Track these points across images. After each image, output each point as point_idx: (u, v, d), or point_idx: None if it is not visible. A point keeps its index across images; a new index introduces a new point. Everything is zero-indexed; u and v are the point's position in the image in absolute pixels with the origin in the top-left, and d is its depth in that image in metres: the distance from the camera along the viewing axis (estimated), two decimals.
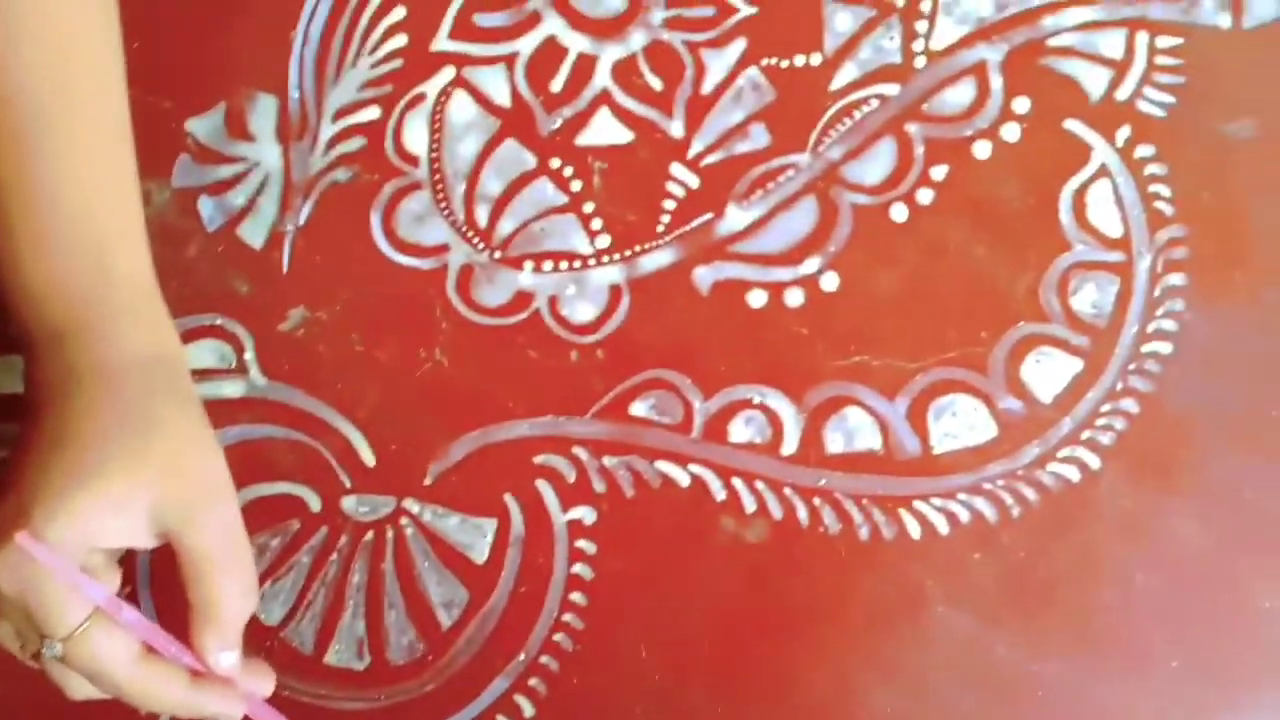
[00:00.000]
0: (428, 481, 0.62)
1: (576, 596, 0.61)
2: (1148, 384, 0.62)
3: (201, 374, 0.63)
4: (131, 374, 0.54)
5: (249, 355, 0.63)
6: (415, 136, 0.65)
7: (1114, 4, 0.65)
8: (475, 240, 0.64)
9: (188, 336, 0.63)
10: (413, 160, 0.65)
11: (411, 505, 0.62)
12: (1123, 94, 0.64)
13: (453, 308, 0.64)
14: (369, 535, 0.61)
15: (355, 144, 0.65)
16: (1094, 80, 0.64)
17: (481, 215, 0.64)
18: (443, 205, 0.64)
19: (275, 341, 0.64)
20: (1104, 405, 0.63)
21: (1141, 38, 0.65)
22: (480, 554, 0.62)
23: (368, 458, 0.63)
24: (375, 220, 0.64)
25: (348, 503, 0.62)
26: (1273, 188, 0.63)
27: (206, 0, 0.65)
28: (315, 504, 0.62)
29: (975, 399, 0.63)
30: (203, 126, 0.65)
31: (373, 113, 0.65)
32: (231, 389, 0.63)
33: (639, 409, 0.63)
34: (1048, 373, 0.63)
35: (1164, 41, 0.64)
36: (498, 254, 0.64)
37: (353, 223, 0.64)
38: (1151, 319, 0.63)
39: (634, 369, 0.63)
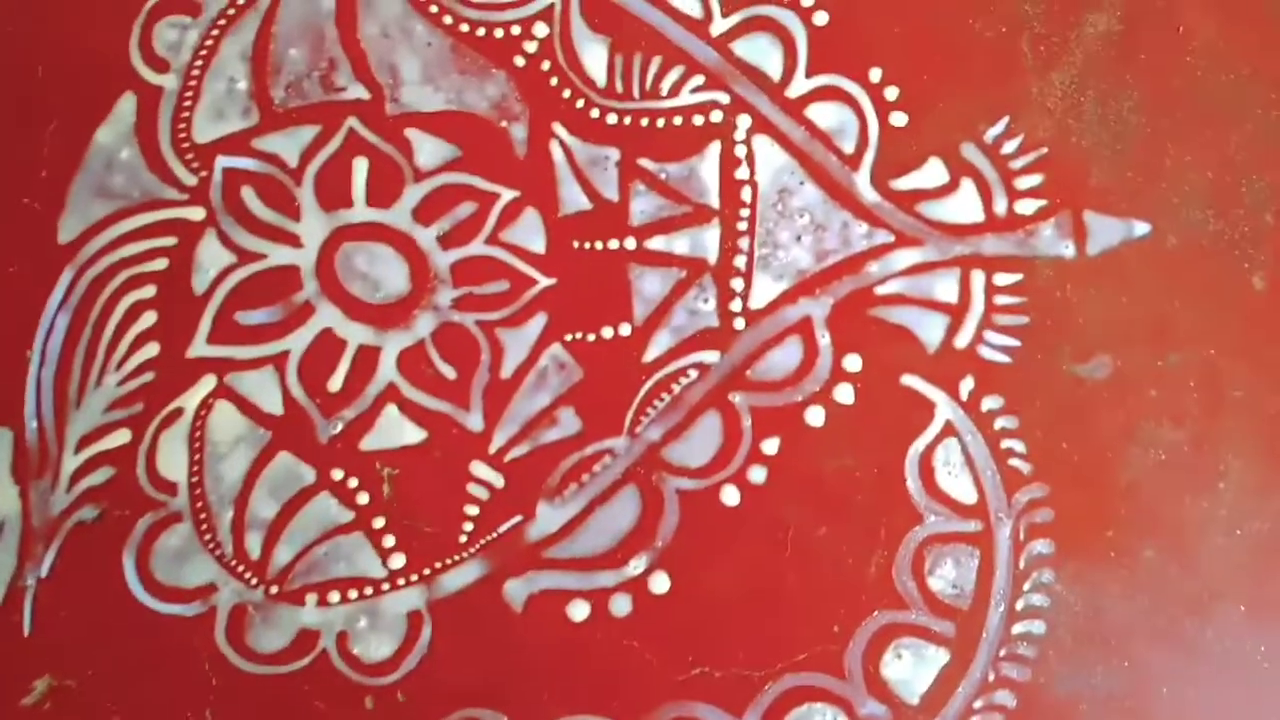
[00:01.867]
0: None
1: None
2: (1022, 671, 0.49)
3: None
4: None
5: None
6: (172, 460, 0.51)
7: (943, 241, 0.53)
8: (247, 575, 0.50)
9: None
10: (170, 488, 0.51)
11: None
12: (962, 340, 0.52)
13: (224, 659, 0.49)
14: None
15: (102, 475, 0.51)
16: (929, 328, 0.52)
17: (254, 544, 0.50)
18: (207, 538, 0.50)
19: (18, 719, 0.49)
20: (976, 701, 0.49)
21: (977, 277, 0.53)
22: None
23: None
24: (129, 563, 0.50)
25: None
26: (1133, 430, 0.51)
27: None
28: None
29: (834, 707, 0.49)
30: None
31: (122, 436, 0.51)
32: None
33: None
34: (911, 668, 0.50)
35: (1002, 279, 0.53)
36: (274, 589, 0.50)
37: (103, 569, 0.50)
38: (1019, 595, 0.50)
39: (440, 710, 0.49)
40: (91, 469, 0.50)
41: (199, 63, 0.54)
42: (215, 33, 0.54)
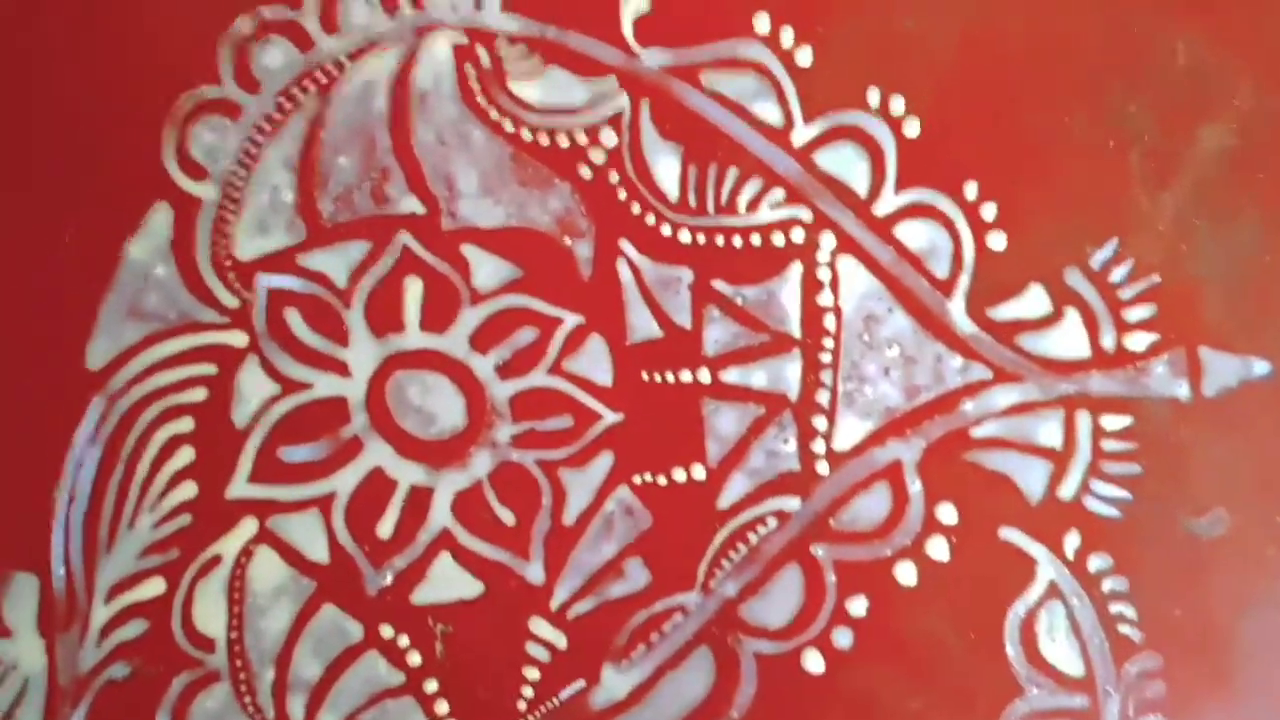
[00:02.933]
0: None
1: None
2: None
3: None
4: None
5: None
6: (210, 612, 0.45)
7: (1046, 379, 0.47)
8: None
9: None
10: (207, 644, 0.45)
11: None
12: (1067, 491, 0.46)
13: None
14: None
15: (135, 629, 0.45)
16: (1031, 476, 0.46)
17: (296, 708, 0.44)
18: (247, 700, 0.44)
19: None
20: None
21: (1083, 419, 0.46)
22: None
23: None
24: None
25: None
26: (1255, 595, 0.45)
27: None
28: None
29: None
30: None
31: (156, 586, 0.45)
32: None
33: None
34: None
35: (1110, 421, 0.46)
36: None
37: None
38: None
39: None
40: (123, 621, 0.44)
41: (240, 171, 0.48)
42: (258, 137, 0.48)
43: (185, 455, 0.45)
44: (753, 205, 0.47)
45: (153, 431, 0.45)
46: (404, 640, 0.44)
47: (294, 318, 0.46)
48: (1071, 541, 0.44)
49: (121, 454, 0.45)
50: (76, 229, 0.46)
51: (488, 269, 0.47)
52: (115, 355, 0.46)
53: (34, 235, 0.46)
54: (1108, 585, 0.44)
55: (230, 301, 0.46)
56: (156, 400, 0.46)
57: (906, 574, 0.44)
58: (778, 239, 0.47)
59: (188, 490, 0.45)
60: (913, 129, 0.47)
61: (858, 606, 0.44)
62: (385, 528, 0.45)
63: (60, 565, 0.44)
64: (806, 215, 0.47)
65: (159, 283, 0.46)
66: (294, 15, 0.48)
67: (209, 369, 0.46)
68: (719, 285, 0.47)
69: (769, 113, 0.48)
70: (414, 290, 0.47)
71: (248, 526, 0.45)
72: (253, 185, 0.47)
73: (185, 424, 0.45)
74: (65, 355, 0.46)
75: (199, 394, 0.46)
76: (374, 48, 0.48)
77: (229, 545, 0.45)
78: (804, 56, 0.48)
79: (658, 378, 0.46)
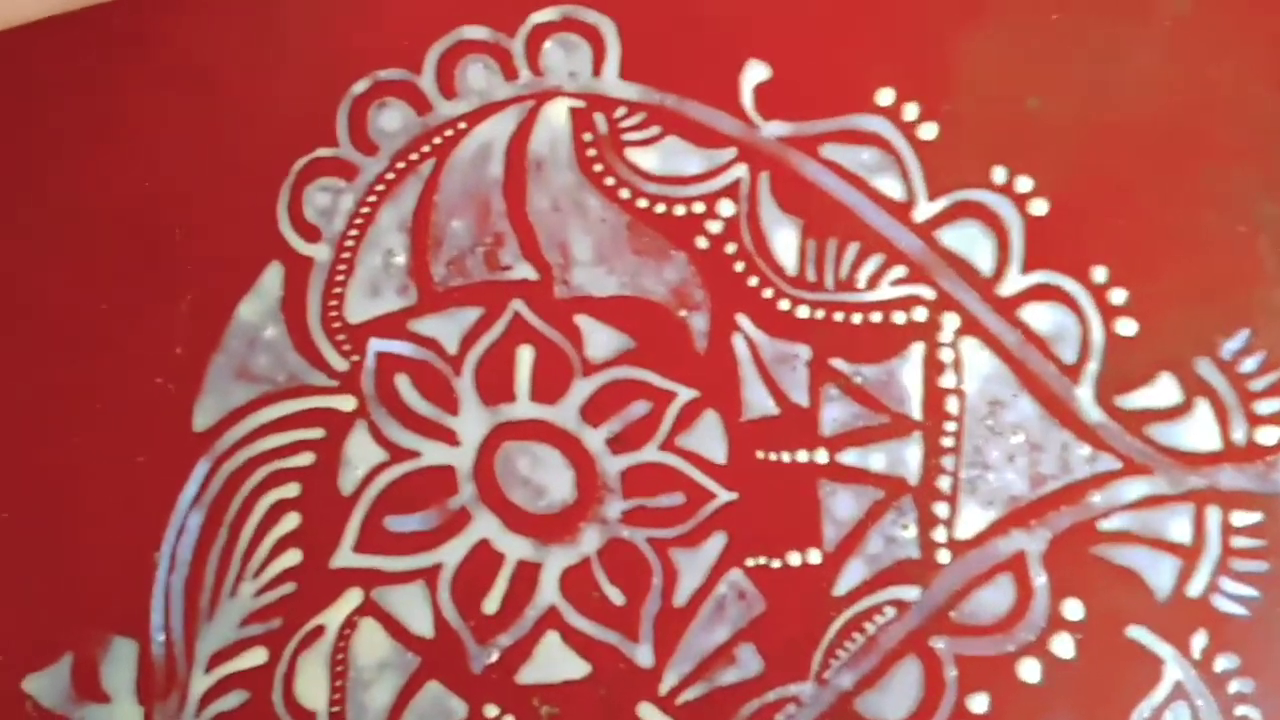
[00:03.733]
0: None
1: None
2: None
3: None
4: None
5: None
6: (312, 685, 0.42)
7: (1175, 471, 0.44)
8: None
9: None
10: (308, 718, 0.43)
11: None
12: (1195, 589, 0.43)
13: None
14: None
15: (235, 700, 0.42)
16: (1159, 572, 0.43)
17: None
18: None
19: None
20: None
21: (1213, 515, 0.44)
22: None
23: None
24: None
25: None
26: None
27: (45, 515, 0.43)
28: None
29: None
30: (44, 685, 0.41)
31: (258, 656, 0.43)
32: None
33: None
34: None
35: (1240, 518, 0.44)
36: None
37: None
38: None
39: None
40: (223, 691, 0.42)
41: (353, 232, 0.46)
42: (372, 199, 0.46)
43: (290, 521, 0.43)
44: (873, 281, 0.45)
45: (258, 496, 0.43)
46: None
47: (404, 383, 0.44)
48: (1199, 641, 0.42)
49: (225, 519, 0.43)
50: (194, 293, 0.44)
51: (601, 339, 0.45)
52: (222, 417, 0.44)
53: (147, 295, 0.45)
54: (1234, 687, 0.41)
55: (340, 364, 0.44)
56: (263, 464, 0.43)
57: (1030, 671, 0.42)
58: (899, 317, 0.45)
59: (292, 558, 0.43)
60: (1040, 209, 0.45)
61: (979, 704, 0.42)
62: (491, 603, 0.43)
63: (160, 632, 0.42)
64: (929, 293, 0.45)
65: (268, 344, 0.45)
66: (412, 78, 0.46)
67: (317, 433, 0.44)
68: (837, 363, 0.44)
69: (891, 188, 0.45)
70: (525, 359, 0.44)
71: (352, 597, 0.43)
72: (365, 247, 0.45)
73: (291, 489, 0.43)
74: (172, 417, 0.44)
75: (306, 459, 0.44)
76: (491, 112, 0.46)
77: (333, 616, 0.42)
78: (928, 131, 0.46)
79: (773, 457, 0.44)
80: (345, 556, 0.43)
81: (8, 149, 0.46)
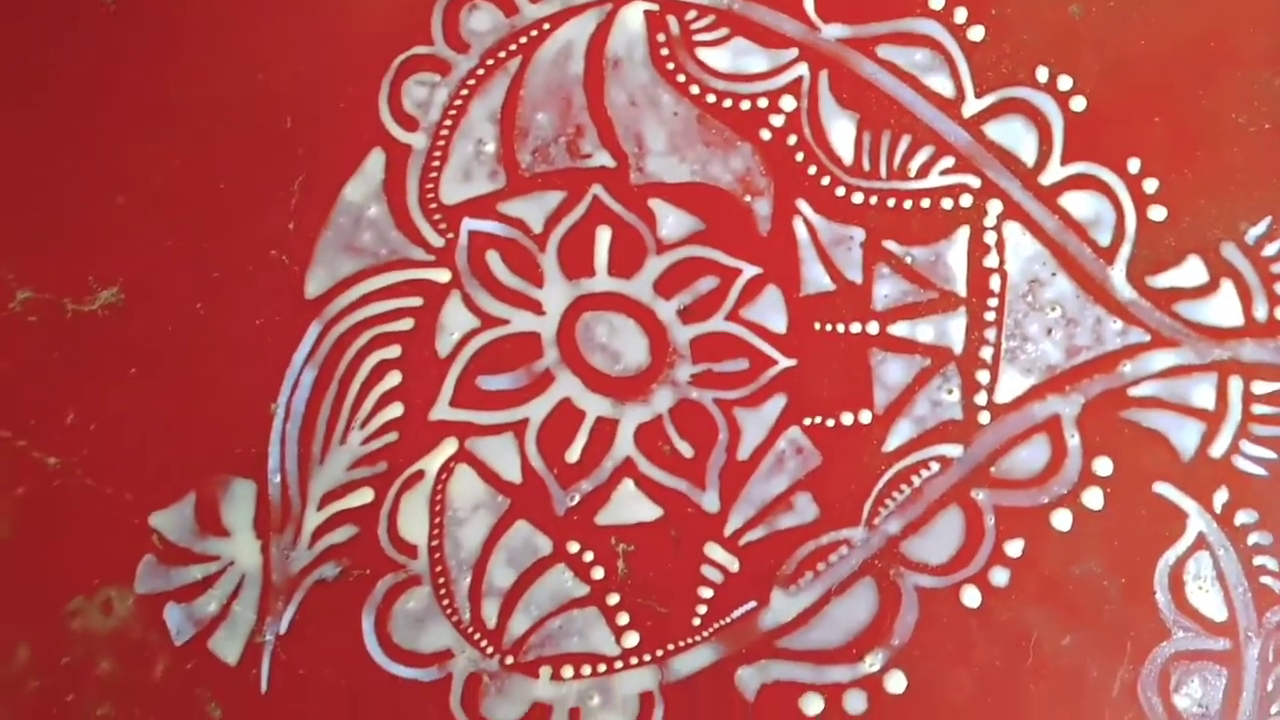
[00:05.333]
0: None
1: None
2: None
3: None
4: None
5: None
6: (413, 522, 0.45)
7: (1201, 344, 0.46)
8: (483, 643, 0.45)
9: None
10: (410, 550, 0.46)
11: None
12: (1217, 450, 0.45)
13: None
14: None
15: (344, 534, 0.46)
16: (1184, 435, 0.46)
17: (490, 613, 0.45)
18: (445, 603, 0.45)
19: None
20: None
21: (1235, 383, 0.46)
22: None
23: None
24: (368, 624, 0.45)
25: None
26: None
27: (172, 371, 0.47)
28: None
29: None
30: (169, 521, 0.44)
31: (364, 495, 0.46)
32: None
33: None
34: None
35: (1260, 387, 0.46)
36: (509, 659, 0.45)
37: (342, 628, 0.45)
38: (1265, 717, 0.44)
39: None
40: (333, 526, 0.45)
41: (447, 123, 0.49)
42: (464, 93, 0.49)
43: (393, 379, 0.46)
44: (923, 171, 0.47)
45: (364, 356, 0.46)
46: (589, 556, 0.44)
47: (493, 258, 0.47)
48: (1220, 497, 0.44)
49: (335, 375, 0.46)
50: (304, 175, 0.47)
51: (672, 221, 0.47)
52: (331, 286, 0.47)
53: (263, 178, 0.48)
54: (1253, 539, 0.44)
55: (436, 241, 0.47)
56: (368, 328, 0.46)
57: (1062, 520, 0.44)
58: (946, 203, 0.47)
59: (394, 410, 0.46)
60: (1079, 105, 0.47)
61: (1014, 548, 0.44)
62: (573, 454, 0.45)
63: (276, 474, 0.45)
64: (975, 182, 0.47)
65: (372, 222, 0.47)
66: None
67: (415, 301, 0.47)
68: (889, 244, 0.47)
69: (941, 85, 0.48)
70: (604, 238, 0.47)
71: (449, 446, 0.45)
72: (458, 136, 0.48)
73: (393, 351, 0.46)
74: (286, 285, 0.47)
75: (406, 324, 0.46)
76: (572, 15, 0.49)
77: (432, 462, 0.45)
78: (976, 33, 0.48)
79: (829, 328, 0.46)
80: (442, 410, 0.45)
81: (137, 48, 0.49)
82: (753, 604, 0.42)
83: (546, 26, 0.47)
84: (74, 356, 0.44)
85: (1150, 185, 0.44)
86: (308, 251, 0.45)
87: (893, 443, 0.43)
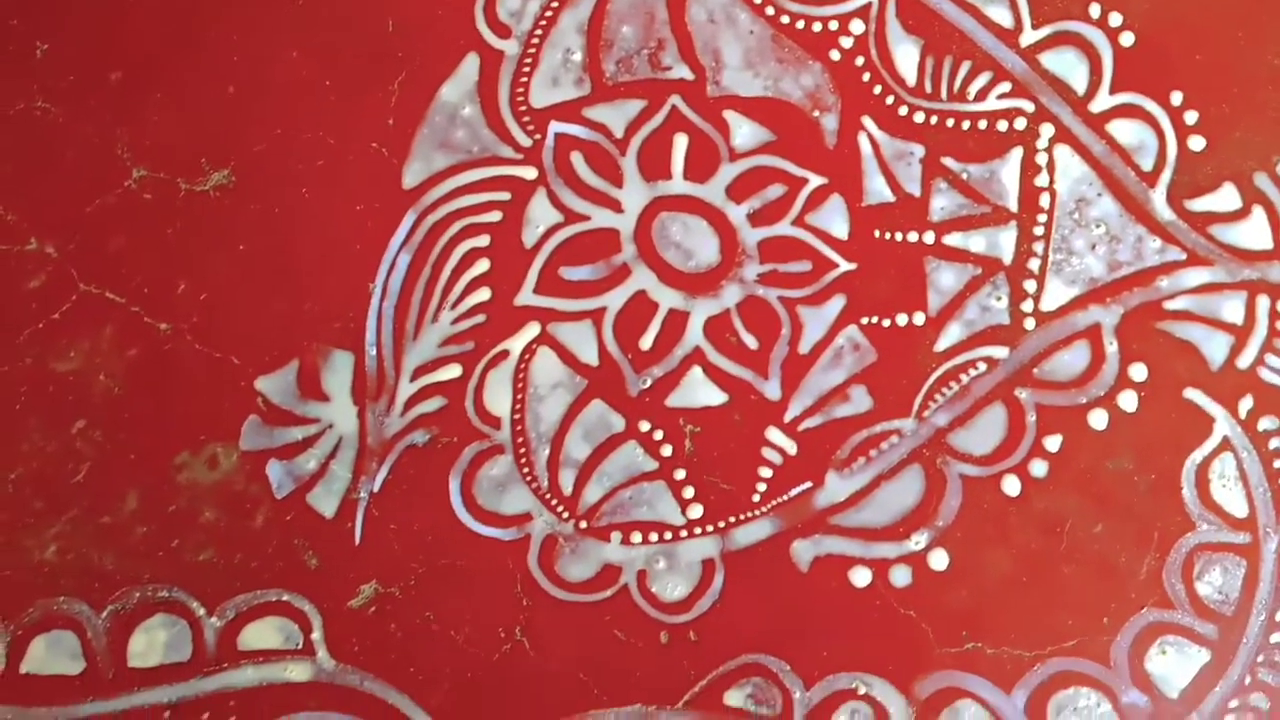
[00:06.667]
0: None
1: None
2: (1278, 677, 0.46)
3: (266, 655, 0.46)
4: None
5: (316, 635, 0.46)
6: (498, 396, 0.48)
7: (1233, 264, 0.49)
8: (560, 509, 0.47)
9: (252, 614, 0.46)
10: (494, 422, 0.48)
11: None
12: (1244, 361, 0.48)
13: (535, 583, 0.46)
14: None
15: (434, 404, 0.48)
16: (1214, 346, 0.48)
17: (566, 481, 0.48)
18: (525, 471, 0.48)
19: (344, 619, 0.46)
20: (1232, 701, 0.45)
21: (1262, 302, 0.48)
22: None
23: None
24: (454, 486, 0.47)
25: None
26: None
27: (279, 249, 0.49)
28: None
29: (1098, 693, 0.46)
30: (273, 385, 0.47)
31: (453, 371, 0.48)
32: (298, 672, 0.46)
33: (734, 698, 0.46)
34: (1174, 664, 0.46)
35: None
36: (583, 524, 0.47)
37: (430, 489, 0.47)
38: None
39: (729, 653, 0.46)
40: (424, 397, 0.48)
41: (538, 32, 0.51)
42: (555, 4, 0.51)
43: (481, 266, 0.48)
44: (981, 94, 0.49)
45: (456, 244, 0.48)
46: (658, 434, 0.47)
47: (578, 159, 0.49)
48: (1245, 404, 0.46)
49: (428, 260, 0.48)
50: (404, 75, 0.49)
51: (745, 132, 0.49)
52: (426, 178, 0.49)
53: (365, 77, 0.50)
54: (1274, 443, 0.46)
55: (524, 141, 0.49)
56: (459, 218, 0.49)
57: (1098, 420, 0.46)
58: (1002, 125, 0.49)
59: (482, 295, 0.48)
60: (1128, 40, 0.49)
61: (1053, 443, 0.46)
62: (646, 341, 0.48)
63: (373, 347, 0.47)
64: (1029, 107, 0.49)
65: (465, 121, 0.49)
66: None
67: (504, 196, 0.49)
68: (947, 161, 0.49)
69: (1001, 16, 0.49)
70: (680, 145, 0.49)
71: (531, 330, 0.48)
72: (548, 45, 0.50)
73: (482, 240, 0.48)
74: (385, 176, 0.49)
75: (495, 216, 0.49)
76: None
77: (516, 343, 0.47)
78: None
79: (888, 236, 0.48)
80: (527, 296, 0.48)
81: None
82: (809, 484, 0.45)
83: None
84: (186, 232, 0.46)
85: (1191, 117, 0.46)
86: (405, 146, 0.47)
87: (943, 343, 0.46)
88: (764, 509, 0.44)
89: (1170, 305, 0.45)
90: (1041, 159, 0.46)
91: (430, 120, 0.47)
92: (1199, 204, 0.46)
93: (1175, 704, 0.42)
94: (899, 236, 0.46)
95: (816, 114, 0.47)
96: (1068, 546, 0.43)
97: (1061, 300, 0.45)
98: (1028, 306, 0.45)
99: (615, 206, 0.47)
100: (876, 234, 0.46)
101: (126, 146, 0.46)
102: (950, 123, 0.47)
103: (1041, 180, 0.46)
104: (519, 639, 0.43)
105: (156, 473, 0.44)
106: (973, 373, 0.45)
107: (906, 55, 0.47)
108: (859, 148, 0.47)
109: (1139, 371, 0.44)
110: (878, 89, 0.47)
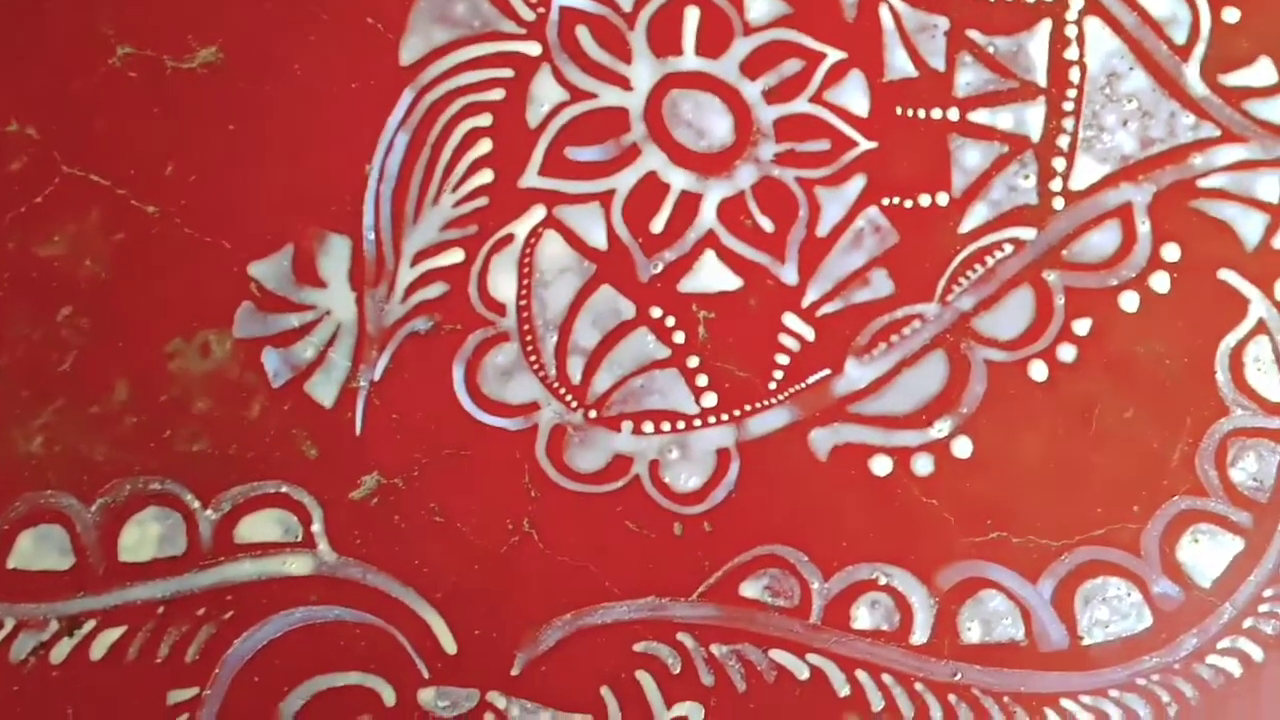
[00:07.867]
0: (515, 671, 0.43)
1: None
2: None
3: (264, 548, 0.43)
4: None
5: (317, 527, 0.43)
6: (502, 282, 0.45)
7: (1268, 141, 0.46)
8: (568, 398, 0.45)
9: (249, 505, 0.43)
10: (499, 308, 0.45)
11: (497, 699, 0.43)
12: None
13: (543, 473, 0.44)
14: None
15: (436, 290, 0.45)
16: (1249, 226, 0.45)
17: (575, 370, 0.45)
18: (532, 359, 0.45)
19: (346, 511, 0.44)
20: (1267, 590, 0.43)
21: None
22: None
23: (448, 644, 0.43)
24: (458, 375, 0.44)
25: (425, 696, 0.42)
26: None
27: (270, 129, 0.46)
28: (389, 697, 0.43)
29: (1128, 582, 0.43)
30: (267, 270, 0.44)
31: (456, 255, 0.45)
32: (298, 565, 0.44)
33: (751, 590, 0.43)
34: (1206, 553, 0.43)
35: None
36: (593, 413, 0.44)
37: (433, 378, 0.44)
38: None
39: (745, 544, 0.44)
40: (426, 283, 0.44)
41: None
42: None
43: (484, 146, 0.45)
44: None
45: (456, 123, 0.45)
46: (670, 321, 0.44)
47: (583, 34, 0.46)
48: None
49: (428, 140, 0.45)
50: None
51: (760, 4, 0.46)
52: (425, 54, 0.45)
53: None
54: None
55: (527, 15, 0.46)
56: (460, 96, 0.45)
57: (1129, 302, 0.43)
58: None
59: (485, 176, 0.45)
60: None
61: (1082, 327, 0.43)
62: (657, 224, 0.45)
63: (371, 231, 0.44)
64: None
65: None
66: None
67: (506, 73, 0.45)
68: (973, 34, 0.45)
69: None
70: (692, 17, 0.46)
71: (537, 212, 0.44)
72: None
73: (485, 119, 0.45)
74: (381, 52, 0.45)
75: (497, 94, 0.45)
76: None
77: (520, 227, 0.44)
78: None
79: (910, 113, 0.45)
80: (531, 178, 0.44)
81: None
82: (827, 371, 0.42)
83: None
84: (173, 112, 0.43)
85: None
86: (402, 20, 0.44)
87: (968, 224, 0.43)
88: (780, 397, 0.41)
89: (1204, 183, 0.42)
90: (1071, 31, 0.43)
91: None
92: (1233, 78, 0.42)
93: (1208, 593, 0.40)
94: (922, 113, 0.43)
95: None
96: (1096, 433, 0.40)
97: (1092, 179, 0.42)
98: (1056, 185, 0.42)
99: (623, 84, 0.43)
100: (898, 111, 0.43)
101: (110, 23, 0.43)
102: None
103: (1071, 53, 0.43)
104: (527, 531, 0.40)
105: (147, 361, 0.41)
106: (999, 255, 0.42)
107: None
108: (880, 20, 0.43)
109: (1171, 252, 0.41)
110: None
